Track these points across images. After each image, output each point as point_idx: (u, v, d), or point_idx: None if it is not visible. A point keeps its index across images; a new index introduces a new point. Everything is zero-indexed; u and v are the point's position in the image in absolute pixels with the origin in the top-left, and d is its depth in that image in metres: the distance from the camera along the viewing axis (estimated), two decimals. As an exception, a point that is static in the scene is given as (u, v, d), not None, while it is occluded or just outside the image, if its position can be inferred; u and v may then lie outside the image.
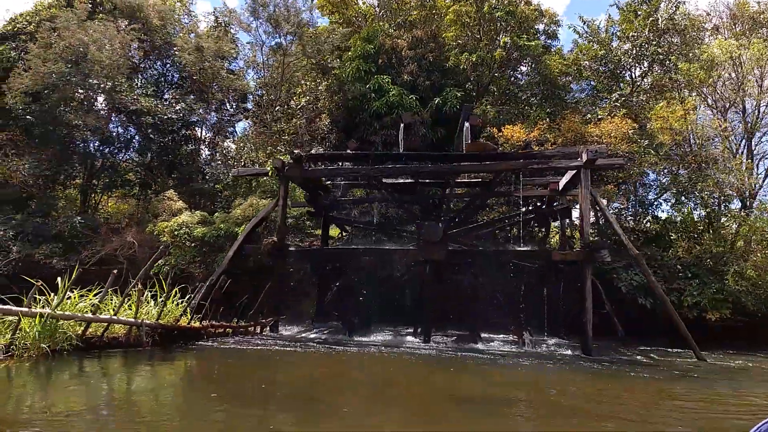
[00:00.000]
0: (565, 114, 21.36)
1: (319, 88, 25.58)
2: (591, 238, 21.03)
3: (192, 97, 27.45)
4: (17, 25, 26.81)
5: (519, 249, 15.66)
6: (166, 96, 28.91)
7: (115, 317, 10.25)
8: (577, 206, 15.54)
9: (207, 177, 25.00)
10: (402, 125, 17.55)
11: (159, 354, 10.62)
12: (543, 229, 19.61)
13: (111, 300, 10.73)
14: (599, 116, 20.69)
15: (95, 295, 10.27)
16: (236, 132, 30.51)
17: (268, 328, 14.84)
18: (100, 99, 25.46)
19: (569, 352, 13.72)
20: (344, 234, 21.30)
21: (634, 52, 23.01)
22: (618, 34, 24.26)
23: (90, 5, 26.19)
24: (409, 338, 15.04)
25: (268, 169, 15.68)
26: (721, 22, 24.60)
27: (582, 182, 13.48)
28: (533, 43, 22.66)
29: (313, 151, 23.67)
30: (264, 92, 28.84)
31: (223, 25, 29.15)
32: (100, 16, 26.11)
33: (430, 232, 14.33)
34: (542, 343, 14.77)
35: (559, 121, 20.33)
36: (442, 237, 14.30)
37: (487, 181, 16.81)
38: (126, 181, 27.96)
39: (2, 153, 22.81)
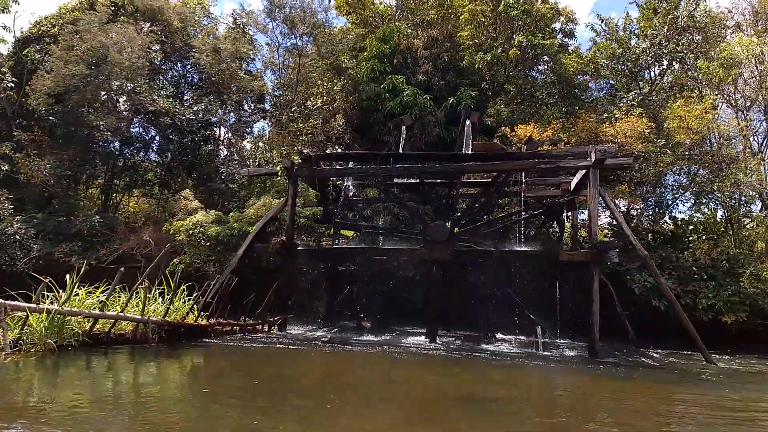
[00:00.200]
0: (580, 113, 21.12)
1: (335, 88, 25.70)
2: (606, 239, 20.87)
3: (211, 98, 27.85)
4: (42, 28, 27.53)
5: (525, 249, 15.56)
6: (186, 97, 29.38)
7: (121, 314, 10.46)
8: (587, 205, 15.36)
9: (223, 177, 25.30)
10: (404, 127, 17.60)
11: (165, 350, 10.81)
12: (558, 228, 19.45)
13: (119, 297, 10.95)
14: (615, 116, 20.41)
15: (102, 292, 10.50)
16: (254, 132, 30.95)
17: (276, 327, 14.99)
18: (122, 100, 26.00)
19: (576, 353, 13.61)
20: (358, 234, 21.40)
21: (654, 50, 22.66)
22: (636, 32, 23.93)
23: (112, 8, 26.78)
24: (417, 338, 15.06)
25: (278, 169, 15.86)
26: (743, 19, 24.13)
27: (591, 182, 13.35)
28: (548, 42, 22.45)
29: (328, 151, 23.92)
30: (281, 93, 29.10)
31: (241, 26, 29.49)
32: (121, 18, 26.66)
33: (437, 232, 14.34)
34: (551, 344, 14.66)
35: (573, 121, 20.11)
36: (449, 237, 14.29)
37: (499, 181, 16.75)
38: (146, 181, 28.54)
39: (24, 153, 23.40)
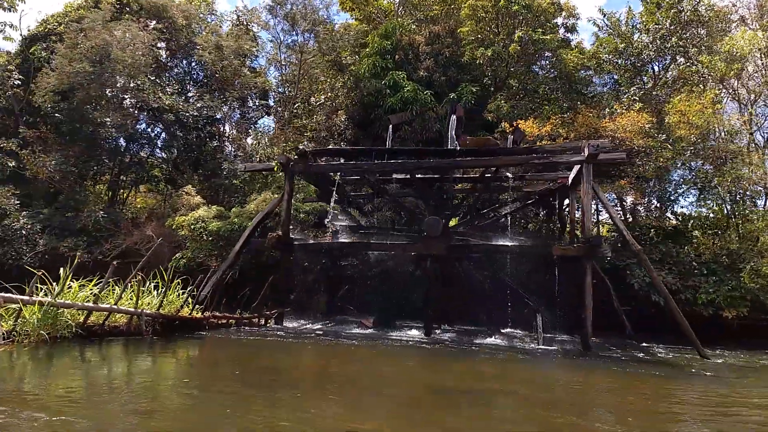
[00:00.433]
0: (580, 109, 21.02)
1: (337, 85, 25.78)
2: (609, 234, 20.77)
3: (216, 94, 28.07)
4: (48, 26, 27.89)
5: (519, 244, 15.54)
6: (190, 93, 29.63)
7: (115, 306, 10.64)
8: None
9: (225, 173, 25.51)
10: (390, 127, 17.72)
11: (159, 342, 11.00)
12: (558, 224, 19.40)
13: (113, 290, 11.13)
14: (616, 110, 20.30)
15: (95, 285, 10.69)
16: (260, 128, 31.15)
17: (272, 321, 15.13)
18: (127, 97, 26.27)
19: (569, 347, 13.63)
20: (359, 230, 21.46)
21: (656, 45, 22.49)
22: (639, 26, 23.75)
23: (117, 6, 27.05)
24: (412, 332, 15.13)
25: (274, 164, 16.00)
26: (748, 13, 23.85)
27: (584, 177, 13.34)
28: (548, 37, 22.36)
29: (330, 146, 24.05)
30: (284, 89, 29.25)
31: (244, 23, 29.66)
32: (126, 16, 26.92)
33: (431, 227, 14.41)
34: (548, 339, 14.63)
35: (573, 116, 20.02)
36: (443, 231, 14.35)
37: (491, 176, 16.77)
38: (152, 177, 28.86)
39: (30, 150, 23.74)
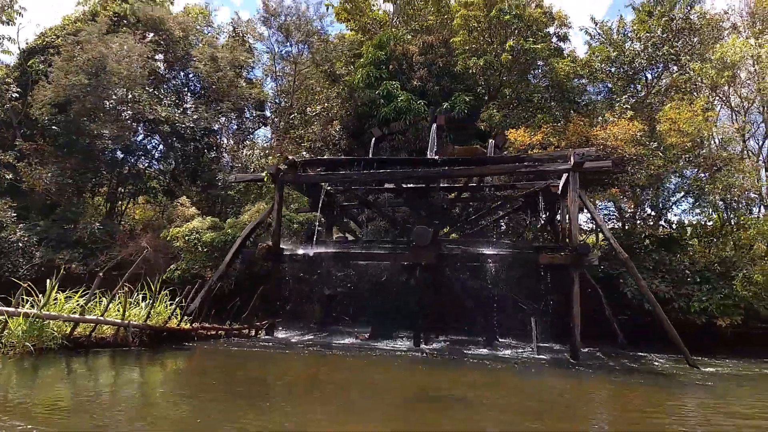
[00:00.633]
0: (571, 117, 21.09)
1: (331, 95, 25.92)
2: (602, 242, 20.72)
3: (213, 105, 28.22)
4: (46, 39, 28.10)
5: (507, 251, 15.52)
6: (187, 105, 29.79)
7: (101, 318, 10.70)
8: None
9: (220, 184, 25.61)
10: (373, 139, 17.86)
11: (146, 353, 11.04)
12: (552, 233, 19.40)
13: (100, 302, 11.18)
14: (608, 119, 20.34)
15: (82, 296, 10.74)
16: (258, 139, 31.31)
17: (263, 331, 15.14)
18: (124, 108, 26.43)
19: (560, 356, 13.59)
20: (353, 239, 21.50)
21: (648, 53, 22.59)
22: (630, 35, 23.87)
23: (114, 19, 27.29)
24: (404, 342, 15.10)
25: (263, 175, 16.08)
26: (740, 20, 23.95)
27: (570, 185, 13.37)
28: (540, 46, 22.49)
29: (326, 156, 24.14)
30: (281, 100, 29.40)
31: (240, 35, 29.87)
32: (123, 29, 27.14)
33: (420, 237, 14.43)
34: (540, 348, 14.59)
35: (564, 125, 20.08)
36: (433, 240, 14.38)
37: (487, 185, 16.85)
38: (150, 188, 28.97)
39: (26, 162, 23.88)
